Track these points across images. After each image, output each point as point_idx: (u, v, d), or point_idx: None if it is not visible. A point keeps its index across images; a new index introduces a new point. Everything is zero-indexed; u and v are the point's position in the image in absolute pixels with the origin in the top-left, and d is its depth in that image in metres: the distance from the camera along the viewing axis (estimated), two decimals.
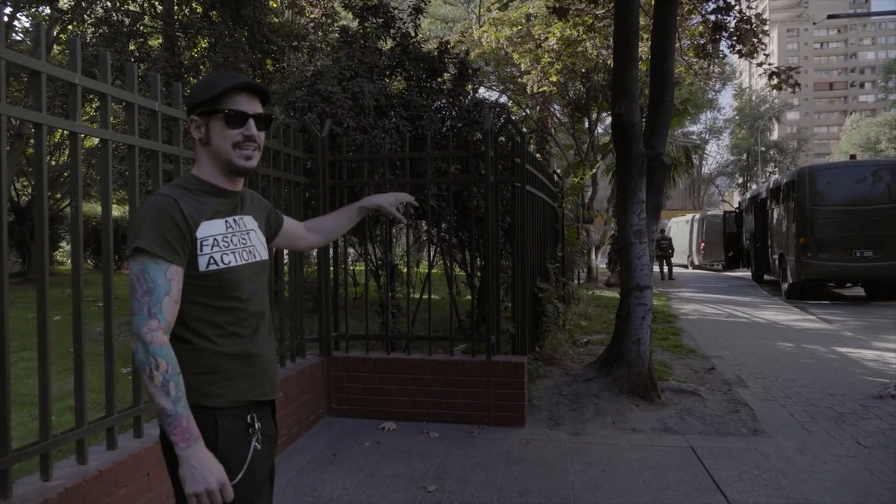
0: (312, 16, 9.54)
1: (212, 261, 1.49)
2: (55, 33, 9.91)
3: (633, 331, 5.10)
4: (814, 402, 5.01)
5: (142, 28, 8.02)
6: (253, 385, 1.55)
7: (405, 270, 6.47)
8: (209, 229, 1.50)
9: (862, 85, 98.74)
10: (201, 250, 1.48)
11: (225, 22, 7.95)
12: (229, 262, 1.52)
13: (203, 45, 8.31)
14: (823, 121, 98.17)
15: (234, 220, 1.59)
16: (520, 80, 15.91)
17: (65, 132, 13.04)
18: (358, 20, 6.81)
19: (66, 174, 18.30)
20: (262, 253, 1.66)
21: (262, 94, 1.61)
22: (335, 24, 9.93)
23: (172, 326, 1.43)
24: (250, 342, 1.55)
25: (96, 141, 13.52)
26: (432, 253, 6.84)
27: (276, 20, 9.23)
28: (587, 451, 3.93)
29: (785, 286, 13.29)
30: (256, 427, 1.55)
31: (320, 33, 10.07)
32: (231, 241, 1.55)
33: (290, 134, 4.36)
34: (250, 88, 1.57)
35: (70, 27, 9.40)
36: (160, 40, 8.41)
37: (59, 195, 16.83)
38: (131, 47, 7.71)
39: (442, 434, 4.21)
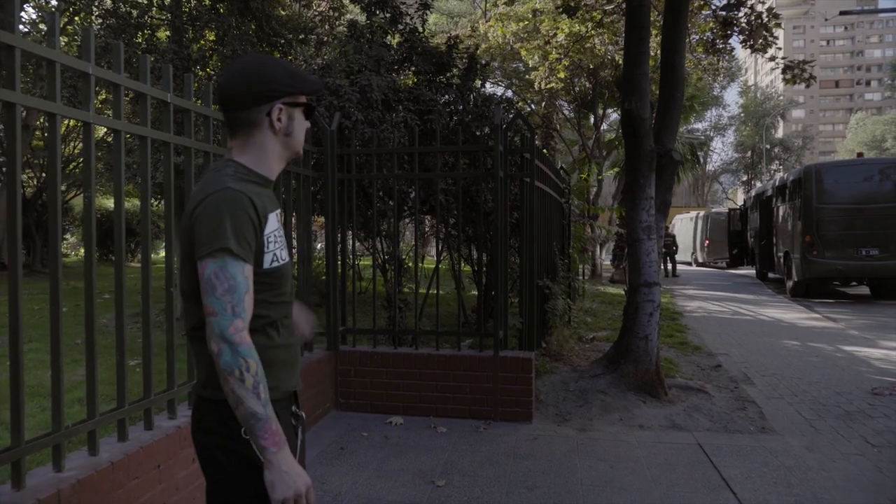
0: (320, 9, 9.51)
1: (274, 258, 1.46)
2: (62, 24, 9.90)
3: (641, 327, 5.08)
4: (821, 400, 5.00)
5: (149, 20, 8.00)
6: (293, 375, 1.57)
7: (412, 265, 6.46)
8: (272, 225, 1.46)
9: (868, 83, 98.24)
10: (267, 247, 1.44)
11: (232, 14, 7.92)
12: (284, 258, 1.51)
13: (211, 38, 8.29)
14: (829, 119, 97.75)
15: (278, 215, 1.55)
16: (526, 75, 15.86)
17: (71, 123, 13.04)
18: (366, 14, 6.79)
19: (71, 166, 18.32)
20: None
21: None
22: (342, 18, 9.90)
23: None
24: (289, 333, 1.57)
25: (102, 132, 13.53)
26: (440, 247, 6.84)
27: (284, 13, 9.21)
28: (595, 447, 3.92)
29: (790, 284, 13.25)
30: (301, 416, 1.57)
31: (327, 26, 10.04)
32: (281, 234, 1.53)
33: None
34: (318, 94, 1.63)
35: (77, 18, 9.38)
36: (168, 32, 8.39)
37: (63, 187, 16.84)
38: (138, 39, 7.70)
39: (449, 429, 4.21)
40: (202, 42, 8.44)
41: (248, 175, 1.46)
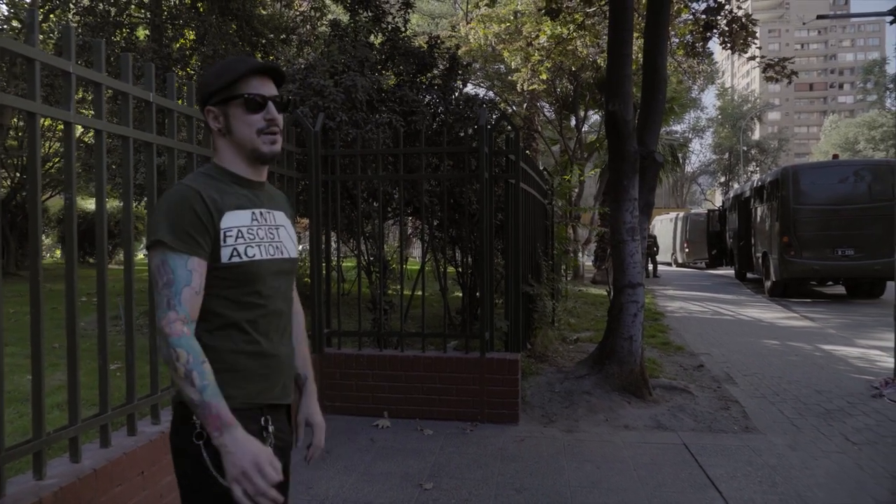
0: (301, 9, 9.45)
1: (235, 252, 1.43)
2: (39, 19, 9.64)
3: (626, 328, 5.12)
4: (802, 399, 5.07)
5: (128, 18, 7.87)
6: (268, 387, 1.50)
7: (397, 267, 6.43)
8: (234, 220, 1.44)
9: (841, 86, 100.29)
10: (224, 241, 1.42)
11: (213, 13, 7.82)
12: (253, 255, 1.46)
13: (191, 37, 8.18)
14: (804, 121, 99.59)
15: (262, 214, 1.53)
16: (508, 77, 15.91)
17: (46, 122, 12.78)
18: (349, 14, 6.76)
19: (46, 166, 17.94)
20: (292, 251, 1.59)
21: (278, 75, 1.54)
22: (324, 18, 9.83)
23: (195, 317, 1.38)
24: (267, 341, 1.50)
25: (79, 132, 13.28)
26: (425, 249, 6.81)
27: (265, 13, 9.12)
28: (581, 448, 3.93)
29: (768, 284, 13.44)
30: (270, 430, 1.49)
31: (309, 26, 9.97)
32: (257, 233, 1.49)
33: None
34: (265, 70, 1.51)
35: (53, 16, 9.21)
36: (147, 31, 8.26)
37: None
38: (117, 38, 7.57)
39: (436, 431, 4.19)
40: (182, 41, 8.32)
41: (218, 174, 1.49)
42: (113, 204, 18.22)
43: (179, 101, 3.07)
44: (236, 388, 1.42)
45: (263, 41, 8.34)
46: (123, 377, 2.65)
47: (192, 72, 7.68)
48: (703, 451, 3.87)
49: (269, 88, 1.50)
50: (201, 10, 7.95)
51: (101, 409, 2.46)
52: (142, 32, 8.36)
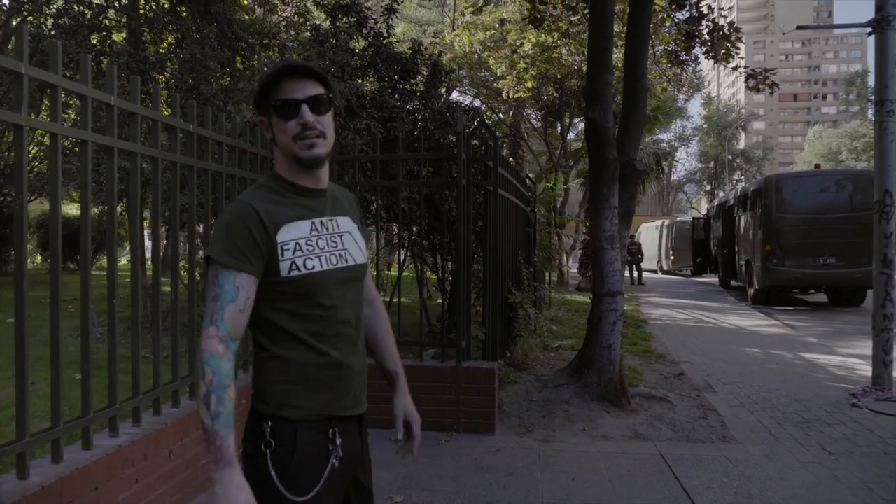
0: (284, 14, 9.39)
1: (293, 266, 1.41)
2: (13, 24, 9.53)
3: (605, 336, 5.08)
4: (780, 408, 5.05)
5: (105, 21, 7.75)
6: (335, 398, 1.46)
7: (375, 273, 6.36)
8: (291, 233, 1.43)
9: (824, 97, 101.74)
10: (282, 255, 1.41)
11: (193, 17, 7.73)
12: (313, 268, 1.43)
13: (170, 41, 8.08)
14: (788, 131, 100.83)
15: (322, 222, 1.49)
16: (494, 84, 15.93)
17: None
18: (330, 19, 6.70)
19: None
20: (358, 257, 1.54)
21: (313, 73, 1.46)
22: (307, 24, 9.78)
23: (238, 336, 1.36)
24: (334, 351, 1.46)
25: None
26: (403, 256, 6.75)
27: (247, 17, 9.04)
28: (557, 458, 3.88)
29: (751, 292, 13.51)
30: (338, 443, 1.45)
31: (292, 32, 9.91)
32: (316, 244, 1.46)
33: (257, 132, 4.23)
34: (293, 72, 1.44)
35: (30, 18, 9.07)
36: (124, 34, 8.14)
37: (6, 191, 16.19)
38: (93, 41, 7.45)
39: None
40: (163, 46, 8.22)
41: (276, 183, 1.48)
42: (72, 210, 17.96)
43: (146, 105, 2.99)
44: (304, 400, 1.43)
45: (244, 46, 8.26)
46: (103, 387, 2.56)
47: (170, 76, 7.58)
48: (680, 461, 3.82)
49: (304, 89, 1.44)
50: (182, 13, 7.86)
51: (53, 423, 2.37)
52: (119, 36, 8.25)
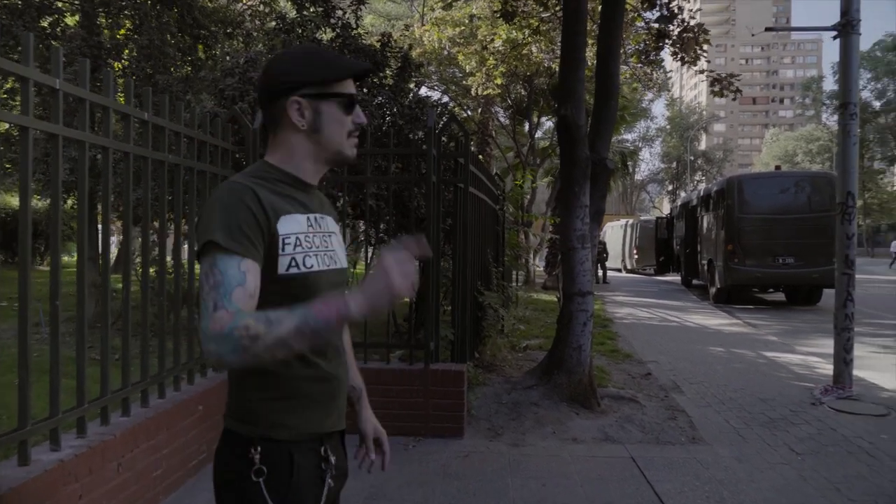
0: (249, 3, 9.10)
1: (293, 263, 1.25)
2: None
3: (575, 337, 5.02)
4: (746, 407, 5.07)
5: (58, 3, 7.34)
6: (327, 414, 1.33)
7: None
8: (291, 225, 1.27)
9: (781, 101, 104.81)
10: (283, 249, 1.24)
11: (152, 2, 7.40)
12: (311, 266, 1.28)
13: (128, 27, 7.72)
14: (747, 133, 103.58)
15: (316, 219, 1.35)
16: (463, 81, 15.84)
17: None
18: (296, 8, 6.49)
19: None
20: (343, 260, 1.43)
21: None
22: (273, 13, 9.51)
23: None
24: (325, 362, 1.31)
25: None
26: (370, 254, 6.59)
27: (210, 5, 8.72)
28: (527, 463, 3.79)
29: (713, 290, 13.73)
30: (331, 461, 1.33)
31: (258, 21, 9.62)
32: (313, 241, 1.31)
33: (218, 124, 4.02)
34: (364, 75, 1.40)
35: None
36: (77, 18, 7.74)
37: None
38: (44, 24, 7.05)
39: None
40: (121, 32, 7.85)
41: (272, 172, 1.32)
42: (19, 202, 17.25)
43: (94, 91, 2.78)
44: (297, 418, 1.27)
45: (206, 33, 7.95)
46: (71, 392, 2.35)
47: (127, 62, 7.24)
48: (651, 464, 3.78)
49: (352, 89, 1.38)
50: None
51: None
52: (73, 20, 7.84)
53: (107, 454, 2.66)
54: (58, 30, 6.95)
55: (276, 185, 1.29)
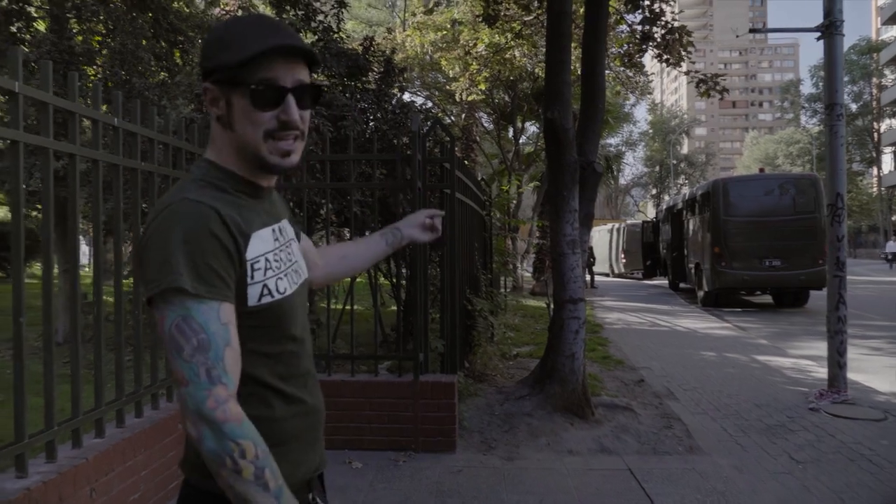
0: (227, 7, 8.92)
1: (265, 291, 1.06)
2: None
3: (567, 345, 4.89)
4: (742, 414, 4.98)
5: (28, 9, 7.11)
6: (312, 454, 1.16)
7: None
8: (259, 246, 1.06)
9: (761, 104, 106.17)
10: (252, 277, 1.04)
11: (126, 6, 7.19)
12: (284, 290, 1.09)
13: (101, 30, 7.50)
14: (728, 136, 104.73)
15: (280, 229, 1.15)
16: (447, 86, 15.74)
17: None
18: (276, 12, 6.35)
19: None
20: (304, 268, 1.22)
21: (308, 56, 1.09)
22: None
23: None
24: (306, 394, 1.14)
25: None
26: None
27: (187, 10, 8.53)
28: (523, 478, 3.65)
29: (700, 294, 13.72)
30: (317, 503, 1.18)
31: None
32: (281, 258, 1.11)
33: (194, 130, 3.86)
34: (292, 51, 1.05)
35: None
36: (47, 23, 7.51)
37: None
38: (12, 30, 6.81)
39: (366, 464, 3.82)
40: (95, 37, 7.63)
41: (225, 180, 1.07)
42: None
43: (53, 93, 2.61)
44: (285, 467, 1.02)
45: (182, 39, 7.76)
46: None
47: (101, 67, 7.03)
48: (649, 476, 3.66)
49: (293, 73, 1.06)
50: (112, 2, 7.28)
51: None
52: (43, 25, 7.61)
53: (79, 479, 2.48)
54: (26, 35, 6.71)
55: (230, 195, 1.06)
